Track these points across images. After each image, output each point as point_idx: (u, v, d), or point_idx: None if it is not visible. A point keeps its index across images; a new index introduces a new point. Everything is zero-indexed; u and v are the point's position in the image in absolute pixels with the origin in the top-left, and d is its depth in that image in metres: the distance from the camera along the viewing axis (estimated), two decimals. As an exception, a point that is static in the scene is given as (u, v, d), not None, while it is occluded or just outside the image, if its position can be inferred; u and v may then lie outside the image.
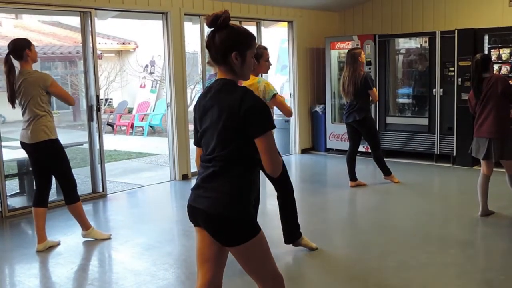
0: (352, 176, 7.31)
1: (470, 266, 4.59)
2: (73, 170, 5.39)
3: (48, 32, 16.59)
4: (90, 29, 6.95)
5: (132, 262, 4.96)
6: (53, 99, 5.35)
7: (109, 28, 15.53)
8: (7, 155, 6.68)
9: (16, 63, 5.00)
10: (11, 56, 4.95)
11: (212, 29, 2.64)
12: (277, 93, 4.61)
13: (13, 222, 6.19)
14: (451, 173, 8.28)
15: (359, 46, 8.37)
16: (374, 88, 7.12)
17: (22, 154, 7.18)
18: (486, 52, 8.33)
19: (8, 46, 5.00)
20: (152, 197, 7.53)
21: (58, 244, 5.26)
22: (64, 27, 16.54)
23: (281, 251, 4.81)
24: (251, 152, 2.61)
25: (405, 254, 4.87)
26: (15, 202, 6.83)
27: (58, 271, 4.72)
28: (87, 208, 6.74)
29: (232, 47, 2.62)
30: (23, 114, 5.03)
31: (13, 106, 5.05)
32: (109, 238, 5.44)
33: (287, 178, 4.83)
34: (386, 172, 7.45)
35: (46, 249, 5.09)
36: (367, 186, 7.26)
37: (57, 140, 5.08)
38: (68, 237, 5.52)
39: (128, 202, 7.30)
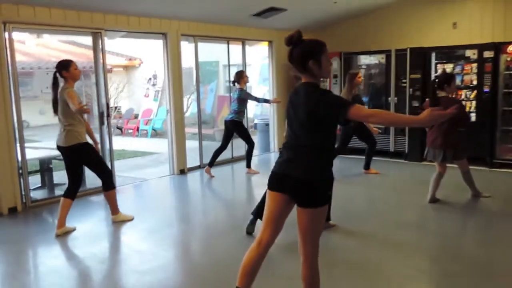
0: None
1: (421, 245, 4.62)
2: (87, 168, 5.38)
3: (65, 49, 16.44)
4: (100, 47, 6.90)
5: (137, 243, 4.93)
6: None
7: (118, 46, 15.44)
8: (30, 154, 6.62)
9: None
10: (57, 74, 5.05)
11: (289, 46, 2.81)
12: None
13: (35, 211, 6.13)
14: (403, 167, 8.35)
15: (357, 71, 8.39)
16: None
17: (43, 153, 7.18)
18: (433, 67, 8.42)
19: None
20: (154, 189, 7.49)
21: (74, 229, 5.23)
22: (79, 45, 16.37)
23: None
24: (328, 138, 2.81)
25: (365, 235, 4.90)
26: (37, 195, 6.75)
27: (75, 253, 4.70)
28: (99, 199, 6.72)
29: (308, 57, 2.74)
30: (59, 121, 5.10)
31: (55, 114, 5.10)
32: (133, 219, 5.54)
33: None
34: (367, 167, 7.72)
35: (63, 234, 5.07)
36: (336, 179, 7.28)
37: (85, 143, 5.14)
38: (83, 224, 5.48)
39: (134, 193, 7.26)
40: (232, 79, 7.93)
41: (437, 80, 5.74)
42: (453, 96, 5.67)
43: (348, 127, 7.10)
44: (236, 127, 7.75)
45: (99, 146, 5.55)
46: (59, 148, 5.14)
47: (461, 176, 5.92)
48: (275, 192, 2.91)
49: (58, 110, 5.03)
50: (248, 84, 8.45)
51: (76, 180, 5.21)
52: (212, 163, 7.86)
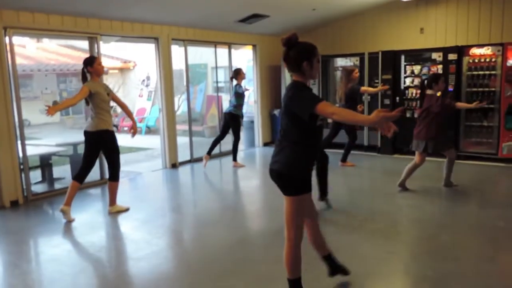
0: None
1: (392, 230, 4.65)
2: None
3: (64, 53, 16.22)
4: (96, 50, 6.80)
5: (132, 232, 4.89)
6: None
7: (113, 50, 15.28)
8: (31, 151, 6.53)
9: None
10: (85, 69, 5.17)
11: (286, 47, 2.80)
12: None
13: (36, 204, 6.03)
14: (376, 160, 8.40)
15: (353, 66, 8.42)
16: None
17: (44, 150, 7.07)
18: (402, 68, 8.47)
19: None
20: (148, 182, 7.43)
21: (73, 220, 5.16)
22: (77, 49, 16.15)
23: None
24: (305, 134, 2.81)
25: (341, 221, 4.92)
26: (38, 188, 6.65)
27: (74, 242, 4.64)
28: (96, 191, 6.66)
29: (303, 58, 2.75)
30: (91, 111, 5.21)
31: (87, 105, 5.21)
32: (128, 209, 5.50)
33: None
34: (344, 159, 7.74)
35: (66, 213, 5.13)
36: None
37: (111, 131, 5.25)
38: (81, 215, 5.41)
39: (129, 186, 7.19)
40: (219, 79, 7.90)
41: (426, 80, 5.86)
42: (438, 93, 5.79)
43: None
44: (231, 119, 7.78)
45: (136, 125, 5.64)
46: (86, 133, 5.19)
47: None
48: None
49: (89, 102, 5.13)
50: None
51: (88, 166, 5.24)
52: (210, 152, 7.90)
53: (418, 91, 8.38)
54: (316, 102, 2.61)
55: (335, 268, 3.38)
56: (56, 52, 16.13)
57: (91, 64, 5.13)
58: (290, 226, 2.90)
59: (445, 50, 7.97)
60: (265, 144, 10.08)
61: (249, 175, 7.70)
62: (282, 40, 2.78)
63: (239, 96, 7.69)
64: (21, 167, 6.04)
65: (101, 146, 5.27)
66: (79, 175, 5.19)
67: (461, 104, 6.21)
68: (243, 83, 7.91)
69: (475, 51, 7.67)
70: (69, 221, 5.13)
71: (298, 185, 2.85)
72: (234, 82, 7.76)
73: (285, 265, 2.97)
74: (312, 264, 3.53)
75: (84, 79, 5.19)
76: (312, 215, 3.19)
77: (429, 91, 5.72)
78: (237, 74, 7.73)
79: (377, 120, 2.45)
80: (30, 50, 15.48)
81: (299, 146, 2.82)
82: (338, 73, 9.42)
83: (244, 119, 9.29)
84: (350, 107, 6.99)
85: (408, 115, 8.37)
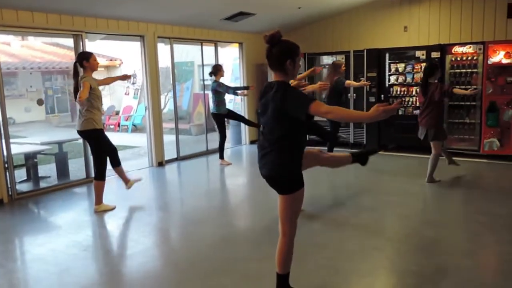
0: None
1: (376, 226, 4.68)
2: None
3: (49, 51, 16.01)
4: (81, 48, 6.72)
5: (118, 231, 4.86)
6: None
7: (99, 48, 15.08)
8: (16, 149, 6.43)
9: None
10: (77, 64, 5.13)
11: (268, 44, 2.75)
12: None
13: (21, 203, 5.96)
14: (362, 157, 8.42)
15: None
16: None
17: (29, 148, 6.98)
18: (387, 66, 8.53)
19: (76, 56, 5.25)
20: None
21: (114, 207, 5.41)
22: (62, 47, 15.96)
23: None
24: (294, 134, 2.78)
25: (327, 218, 4.94)
26: (23, 187, 6.56)
27: (59, 241, 4.57)
28: (82, 190, 6.59)
29: (286, 56, 2.71)
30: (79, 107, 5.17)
31: (75, 100, 5.10)
32: (114, 208, 5.48)
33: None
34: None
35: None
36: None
37: (100, 130, 5.20)
38: (67, 214, 5.36)
39: (115, 184, 7.12)
40: (206, 77, 7.87)
41: (428, 68, 6.06)
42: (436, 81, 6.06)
43: None
44: (215, 119, 7.78)
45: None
46: (80, 133, 5.23)
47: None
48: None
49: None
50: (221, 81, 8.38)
51: (102, 162, 5.30)
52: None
53: (403, 89, 8.47)
54: (310, 101, 2.59)
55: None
56: (41, 50, 15.92)
57: (88, 59, 5.11)
58: (285, 221, 2.90)
59: (428, 48, 8.05)
60: (252, 142, 10.08)
61: (236, 173, 7.70)
62: (265, 37, 2.74)
63: (217, 93, 7.65)
64: (6, 165, 5.95)
65: (90, 145, 5.29)
66: (97, 173, 5.29)
67: (457, 90, 6.25)
68: (221, 80, 7.78)
69: (457, 49, 7.76)
70: (112, 209, 5.42)
71: (292, 184, 2.84)
72: (213, 77, 7.71)
73: (277, 259, 2.97)
74: (300, 260, 3.54)
75: (75, 74, 5.14)
76: (318, 159, 3.22)
77: (431, 79, 5.93)
78: (218, 70, 7.68)
79: (377, 114, 2.48)
80: (15, 48, 15.25)
81: (287, 147, 2.78)
82: (325, 71, 9.45)
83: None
84: (334, 99, 7.00)
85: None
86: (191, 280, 3.56)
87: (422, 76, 6.30)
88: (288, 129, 2.74)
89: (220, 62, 9.41)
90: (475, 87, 6.68)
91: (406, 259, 3.83)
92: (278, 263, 2.97)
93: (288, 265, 2.98)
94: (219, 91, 7.63)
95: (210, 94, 8.01)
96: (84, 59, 5.12)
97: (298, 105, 2.64)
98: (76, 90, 5.09)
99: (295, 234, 2.96)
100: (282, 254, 2.94)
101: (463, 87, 7.73)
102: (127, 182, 5.77)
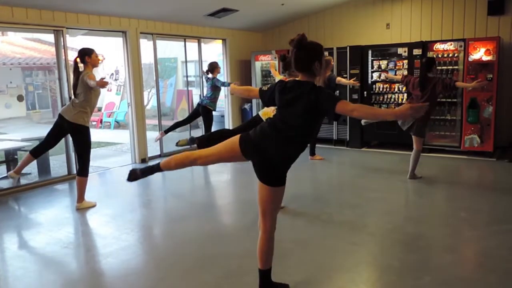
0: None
1: (359, 223, 4.69)
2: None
3: (30, 46, 15.74)
4: (62, 44, 6.62)
5: (100, 228, 4.79)
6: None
7: (81, 43, 14.86)
8: (-5, 146, 6.30)
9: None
10: (78, 60, 5.11)
11: (296, 49, 2.77)
12: None
13: (1, 200, 5.84)
14: (345, 153, 8.49)
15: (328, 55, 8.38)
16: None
17: (9, 145, 6.84)
18: (369, 63, 8.58)
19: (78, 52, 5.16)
20: (117, 177, 7.29)
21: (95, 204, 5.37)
22: (43, 42, 15.70)
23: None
24: (311, 132, 2.82)
25: (310, 215, 4.94)
26: (3, 184, 6.44)
27: (39, 238, 4.49)
28: (64, 186, 6.49)
29: (314, 59, 2.75)
30: (74, 100, 5.15)
31: (75, 95, 5.13)
32: (95, 205, 5.41)
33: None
34: (312, 153, 7.70)
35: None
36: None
37: (87, 128, 5.17)
38: (48, 211, 5.27)
39: (98, 181, 7.04)
40: (189, 73, 7.80)
41: (426, 63, 5.98)
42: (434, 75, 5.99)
43: None
44: (204, 113, 7.69)
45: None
46: (62, 119, 5.13)
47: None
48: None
49: (78, 93, 5.08)
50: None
51: (47, 145, 5.27)
52: (168, 131, 7.68)
53: (386, 86, 8.52)
54: (338, 100, 2.63)
55: None
56: (21, 46, 15.64)
57: (90, 55, 5.09)
58: (266, 217, 2.90)
59: (410, 46, 8.11)
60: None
61: (220, 169, 7.65)
62: (292, 42, 2.77)
63: (216, 89, 7.63)
64: (-15, 163, 5.84)
65: (74, 139, 5.22)
66: (80, 169, 5.23)
67: (460, 84, 6.19)
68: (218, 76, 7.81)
69: (439, 46, 7.83)
70: (94, 206, 5.39)
71: (283, 176, 2.88)
72: (210, 75, 7.68)
73: (258, 255, 2.98)
74: (282, 256, 3.54)
75: (76, 70, 5.11)
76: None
77: (430, 74, 5.88)
78: (214, 67, 7.67)
79: (403, 111, 2.54)
80: (-6, 43, 14.96)
81: (300, 142, 2.83)
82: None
83: (215, 113, 9.23)
84: None
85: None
86: (173, 277, 3.53)
87: (420, 71, 6.26)
88: (309, 125, 2.77)
89: (204, 59, 9.36)
90: (486, 77, 6.54)
91: (389, 255, 3.85)
92: (260, 259, 2.99)
93: (269, 261, 2.99)
94: (219, 87, 7.64)
95: (193, 90, 7.95)
96: (86, 55, 5.10)
97: (331, 103, 2.65)
98: (75, 86, 5.09)
99: (275, 229, 2.96)
100: (263, 250, 2.95)
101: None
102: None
